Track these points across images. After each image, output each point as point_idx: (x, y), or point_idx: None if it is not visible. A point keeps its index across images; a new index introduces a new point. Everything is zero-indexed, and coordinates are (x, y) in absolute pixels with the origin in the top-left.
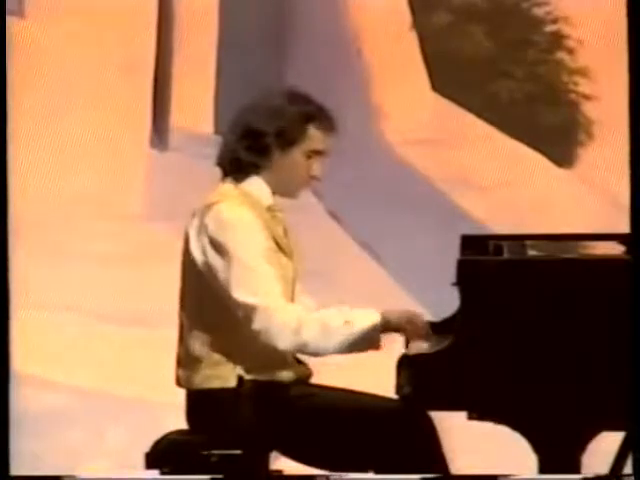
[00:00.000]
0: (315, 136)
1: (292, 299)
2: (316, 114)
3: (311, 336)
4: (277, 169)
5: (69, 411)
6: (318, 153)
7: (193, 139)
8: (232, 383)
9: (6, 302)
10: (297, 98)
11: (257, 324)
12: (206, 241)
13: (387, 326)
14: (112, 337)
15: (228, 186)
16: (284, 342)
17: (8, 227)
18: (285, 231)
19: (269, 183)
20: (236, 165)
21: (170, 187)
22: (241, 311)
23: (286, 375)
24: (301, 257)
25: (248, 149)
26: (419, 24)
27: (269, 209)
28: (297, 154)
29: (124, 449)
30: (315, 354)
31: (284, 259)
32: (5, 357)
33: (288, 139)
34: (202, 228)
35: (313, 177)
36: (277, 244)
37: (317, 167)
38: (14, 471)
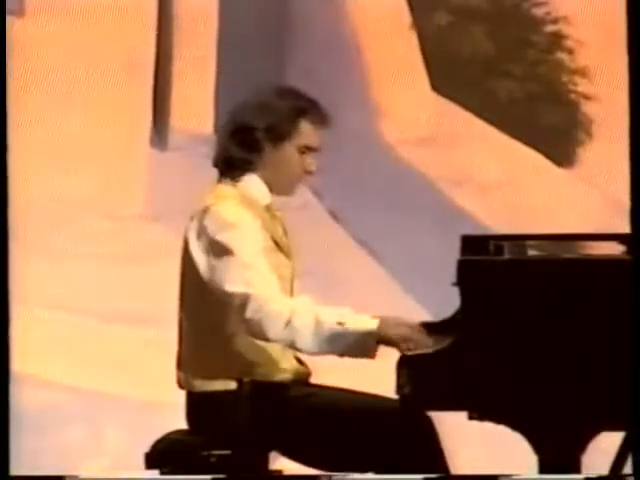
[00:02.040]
0: (307, 131)
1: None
2: (307, 108)
3: (302, 329)
4: (271, 165)
5: (69, 411)
6: (311, 148)
7: (193, 139)
8: (232, 385)
9: (6, 302)
10: (287, 93)
11: (249, 312)
12: (206, 243)
13: (383, 337)
14: (112, 337)
15: (225, 187)
16: (275, 332)
17: (8, 227)
18: (284, 230)
19: (265, 181)
20: (230, 163)
21: (170, 187)
22: (235, 302)
23: (285, 375)
24: (300, 256)
25: (239, 145)
26: (419, 24)
27: (267, 208)
28: (289, 149)
29: (124, 449)
30: (304, 350)
31: (283, 258)
32: (5, 357)
33: (279, 134)
34: (202, 230)
35: (307, 172)
36: (276, 244)
37: (311, 162)
38: (14, 471)
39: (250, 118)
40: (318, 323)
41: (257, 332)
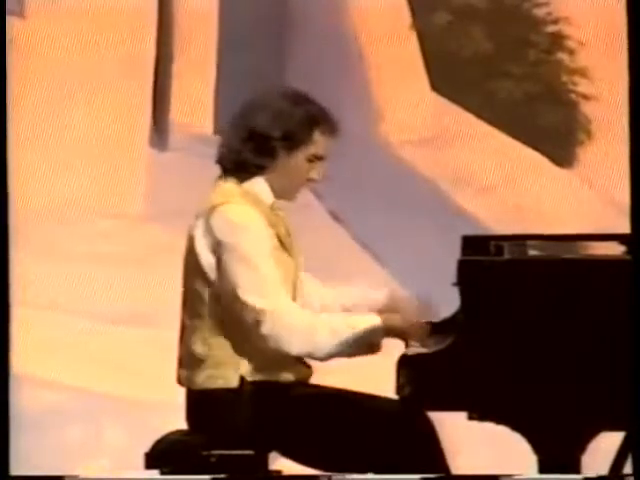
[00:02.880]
0: (319, 141)
1: (294, 298)
2: (321, 118)
3: (321, 340)
4: (280, 171)
5: (69, 411)
6: (319, 157)
7: (193, 139)
8: (234, 383)
9: (6, 302)
10: (301, 100)
11: (265, 329)
12: (213, 242)
13: (388, 331)
14: (112, 337)
15: (230, 185)
16: (294, 346)
17: (8, 227)
18: (287, 230)
19: (270, 184)
20: (241, 166)
21: (170, 187)
22: (249, 315)
23: (287, 375)
24: (301, 256)
25: (254, 151)
26: (419, 24)
27: (271, 208)
28: (300, 158)
29: (124, 449)
30: (321, 358)
31: (286, 257)
32: (5, 357)
33: (294, 143)
34: (208, 229)
35: (311, 180)
36: (280, 243)
37: (317, 171)
38: (14, 471)
39: (266, 125)
40: (333, 332)
41: (275, 347)
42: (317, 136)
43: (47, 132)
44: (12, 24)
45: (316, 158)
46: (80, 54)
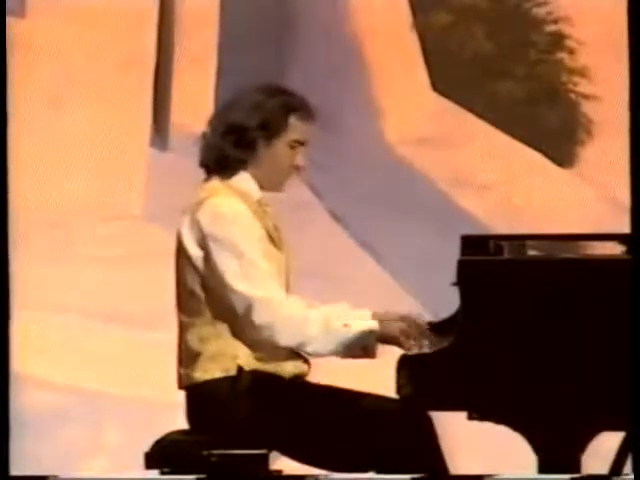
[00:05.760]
0: (297, 126)
1: (286, 293)
2: (296, 105)
3: (313, 333)
4: (262, 162)
5: (69, 411)
6: (300, 143)
7: (193, 139)
8: (232, 372)
9: (6, 302)
10: (275, 91)
11: (259, 318)
12: (200, 236)
13: (384, 336)
14: (112, 337)
15: (215, 183)
16: (287, 337)
17: (8, 227)
18: (275, 225)
19: (255, 178)
20: (223, 163)
21: (170, 187)
22: (240, 303)
23: (287, 368)
24: (299, 256)
25: (235, 145)
26: (419, 24)
27: (259, 203)
28: (281, 145)
29: (124, 449)
30: (312, 353)
31: (277, 252)
32: (5, 357)
33: (271, 131)
34: (194, 224)
35: (296, 167)
36: (269, 237)
37: (300, 157)
38: (14, 471)
39: (242, 118)
40: (327, 327)
41: (267, 338)
42: (294, 121)
43: (47, 132)
44: (12, 24)
45: (297, 143)
46: (80, 54)
